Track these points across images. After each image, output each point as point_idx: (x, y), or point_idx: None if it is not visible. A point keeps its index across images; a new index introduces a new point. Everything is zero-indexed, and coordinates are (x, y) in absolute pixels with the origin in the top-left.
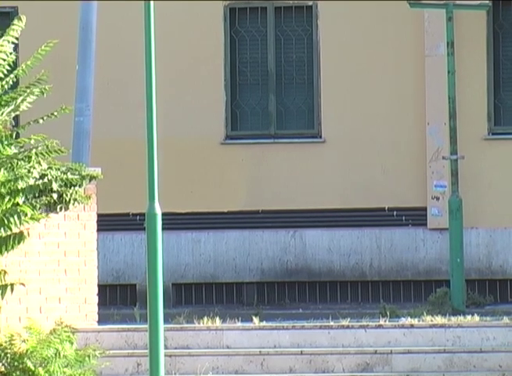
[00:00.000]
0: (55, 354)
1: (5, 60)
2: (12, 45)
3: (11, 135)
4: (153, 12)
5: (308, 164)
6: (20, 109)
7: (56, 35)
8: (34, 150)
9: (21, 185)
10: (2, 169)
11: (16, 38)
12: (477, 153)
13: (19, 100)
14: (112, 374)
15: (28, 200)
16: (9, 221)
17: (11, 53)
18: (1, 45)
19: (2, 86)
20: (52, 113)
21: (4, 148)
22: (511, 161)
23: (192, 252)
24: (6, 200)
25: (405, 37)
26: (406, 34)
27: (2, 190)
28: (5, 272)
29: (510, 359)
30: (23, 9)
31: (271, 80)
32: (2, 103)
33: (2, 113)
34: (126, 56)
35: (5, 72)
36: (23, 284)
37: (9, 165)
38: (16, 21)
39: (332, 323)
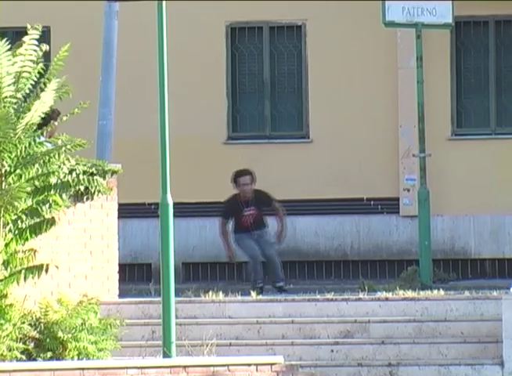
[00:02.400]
0: (82, 323)
1: (35, 69)
2: (35, 53)
3: (42, 134)
4: (164, 13)
5: (298, 160)
6: (46, 102)
7: (83, 51)
8: (63, 148)
9: (53, 180)
10: (36, 164)
11: (37, 45)
12: (442, 151)
13: (38, 91)
14: (130, 340)
15: (61, 191)
16: (41, 209)
17: (38, 62)
18: (26, 50)
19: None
20: (74, 110)
21: (36, 146)
22: (471, 159)
23: (198, 236)
24: (39, 191)
25: (380, 52)
26: (382, 50)
27: (37, 183)
28: (36, 250)
29: (470, 327)
30: (55, 28)
31: (266, 89)
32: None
33: (35, 111)
34: (143, 67)
35: (35, 79)
36: (56, 267)
37: (42, 161)
38: (31, 30)
39: (318, 297)
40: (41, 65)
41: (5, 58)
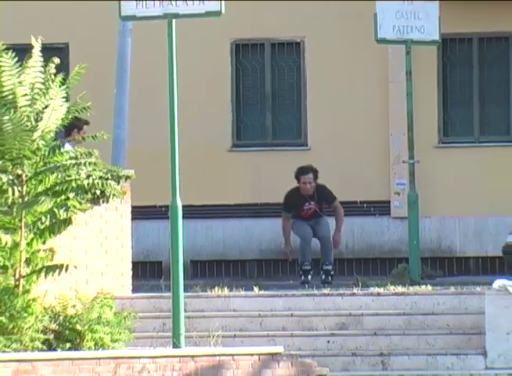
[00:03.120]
0: (98, 316)
1: (52, 81)
2: (42, 64)
3: (62, 145)
4: (174, 31)
5: (297, 167)
6: (58, 110)
7: (98, 65)
8: (82, 162)
9: (73, 185)
10: (57, 172)
11: (41, 55)
12: (429, 158)
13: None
14: (143, 332)
15: (78, 195)
16: (58, 212)
17: (51, 74)
18: (35, 62)
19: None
20: (95, 136)
21: (56, 156)
22: (457, 165)
23: (205, 236)
24: (58, 195)
25: (373, 67)
26: (374, 65)
27: (57, 188)
28: (54, 251)
29: (455, 319)
30: (72, 44)
31: (267, 101)
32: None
33: (49, 118)
34: (154, 80)
35: (55, 92)
36: (75, 267)
37: (62, 169)
38: (35, 42)
39: (316, 292)
40: (59, 78)
41: (15, 69)
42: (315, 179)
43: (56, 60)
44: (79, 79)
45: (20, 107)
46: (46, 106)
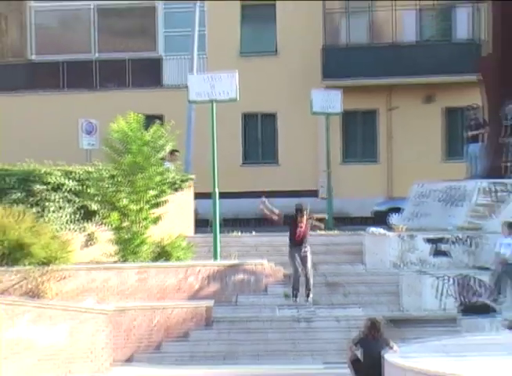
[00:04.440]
0: (178, 245)
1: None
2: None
3: (162, 163)
4: (215, 108)
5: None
6: (166, 151)
7: (178, 125)
8: (169, 169)
9: (165, 182)
10: (158, 176)
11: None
12: (337, 169)
13: (166, 148)
14: (199, 253)
15: (169, 187)
16: (159, 195)
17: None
18: (159, 127)
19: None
20: (177, 150)
21: (158, 168)
22: (352, 173)
23: (229, 207)
24: (159, 187)
25: (312, 125)
26: (311, 125)
27: (159, 183)
28: (162, 215)
29: (350, 247)
30: (166, 114)
31: (259, 142)
32: (156, 149)
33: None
34: (204, 131)
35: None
36: (161, 217)
37: (161, 175)
38: (166, 122)
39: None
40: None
41: (146, 133)
42: (306, 215)
43: (169, 125)
44: (175, 138)
45: (149, 155)
46: (158, 150)
